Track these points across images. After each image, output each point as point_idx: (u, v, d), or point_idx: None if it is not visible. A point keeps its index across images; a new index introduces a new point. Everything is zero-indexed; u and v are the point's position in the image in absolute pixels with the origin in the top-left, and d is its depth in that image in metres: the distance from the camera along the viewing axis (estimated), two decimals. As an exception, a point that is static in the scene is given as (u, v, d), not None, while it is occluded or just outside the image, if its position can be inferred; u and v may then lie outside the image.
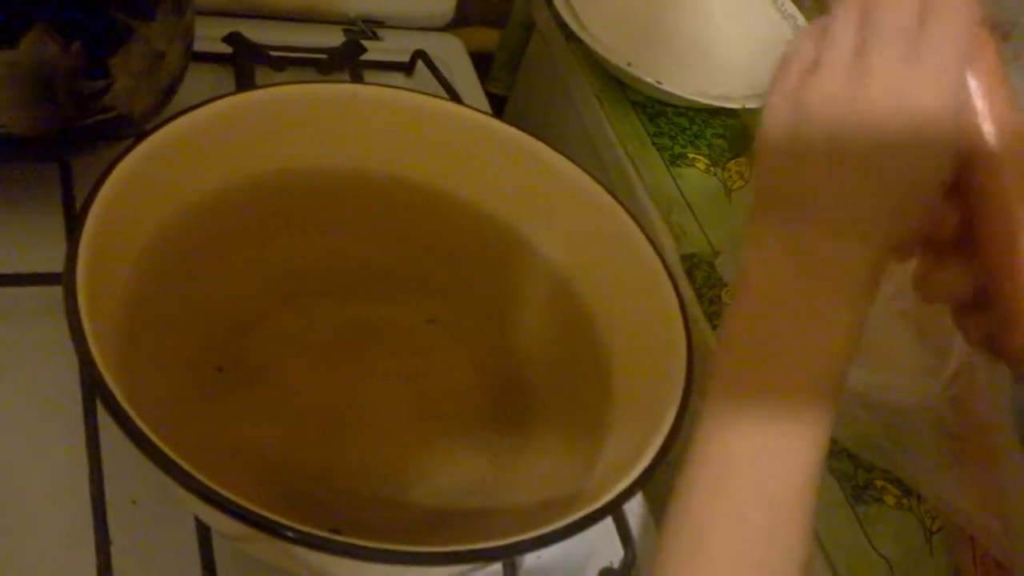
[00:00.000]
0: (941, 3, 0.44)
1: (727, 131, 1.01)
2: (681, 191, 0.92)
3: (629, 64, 0.97)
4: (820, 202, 0.44)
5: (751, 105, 0.99)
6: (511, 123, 0.70)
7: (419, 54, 0.95)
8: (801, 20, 1.10)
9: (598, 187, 0.67)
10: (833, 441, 0.75)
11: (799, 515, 0.44)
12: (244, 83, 0.85)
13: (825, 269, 0.45)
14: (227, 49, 0.87)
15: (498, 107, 1.19)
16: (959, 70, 0.44)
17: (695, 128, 0.99)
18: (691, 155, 0.96)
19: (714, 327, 0.81)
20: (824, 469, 0.72)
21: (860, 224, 0.44)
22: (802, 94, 0.45)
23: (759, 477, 0.45)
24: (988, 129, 0.45)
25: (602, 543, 0.66)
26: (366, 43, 0.94)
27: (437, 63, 0.94)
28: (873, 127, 0.43)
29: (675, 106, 1.00)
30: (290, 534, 0.45)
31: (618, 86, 1.00)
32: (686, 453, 0.47)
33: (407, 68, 0.96)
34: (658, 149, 0.95)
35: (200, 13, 0.75)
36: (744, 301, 0.47)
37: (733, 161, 0.97)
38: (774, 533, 0.44)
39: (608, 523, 0.65)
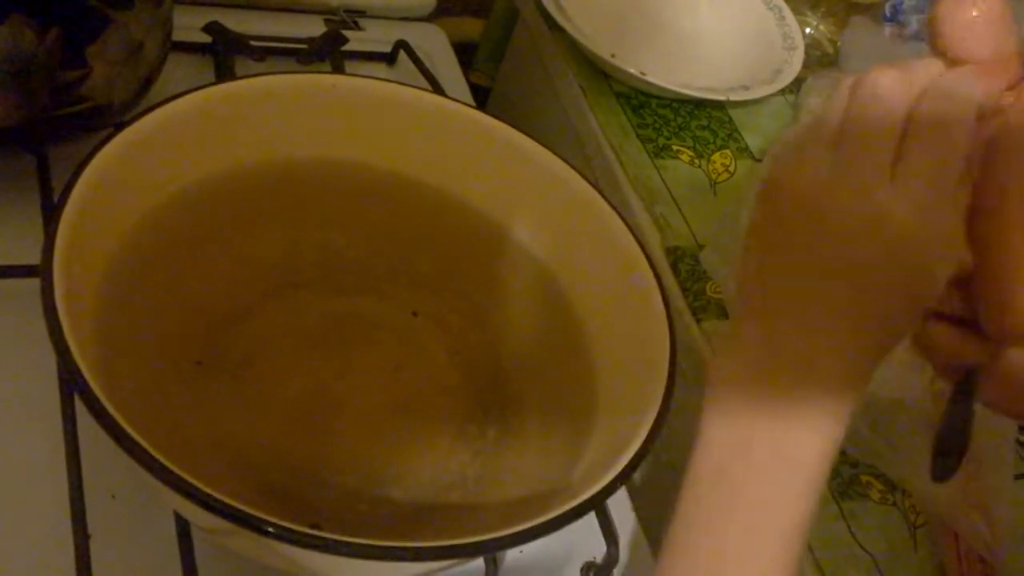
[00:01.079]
0: (925, 123, 0.43)
1: (712, 123, 1.00)
2: (665, 183, 0.91)
3: (613, 55, 0.96)
4: (796, 306, 0.44)
5: (735, 97, 0.99)
6: (494, 114, 0.69)
7: (401, 44, 0.94)
8: (787, 12, 1.10)
9: (581, 180, 0.67)
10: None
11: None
12: (224, 73, 0.85)
13: (803, 369, 0.44)
14: (206, 39, 0.86)
15: (481, 98, 1.19)
16: (939, 188, 0.43)
17: (680, 120, 0.99)
18: (675, 147, 0.96)
19: (698, 320, 0.81)
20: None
21: (837, 328, 0.43)
22: (780, 195, 0.45)
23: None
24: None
25: (585, 538, 0.66)
26: (347, 33, 0.93)
27: (419, 53, 0.93)
28: (843, 240, 0.43)
29: (659, 97, 1.00)
30: (269, 529, 0.44)
31: (602, 77, 1.00)
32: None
33: (389, 58, 0.95)
34: (642, 141, 0.95)
35: (179, 2, 0.74)
36: (723, 398, 0.46)
37: (718, 153, 0.97)
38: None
39: (591, 518, 0.65)
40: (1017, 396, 0.47)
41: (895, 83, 0.44)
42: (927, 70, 0.44)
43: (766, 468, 0.44)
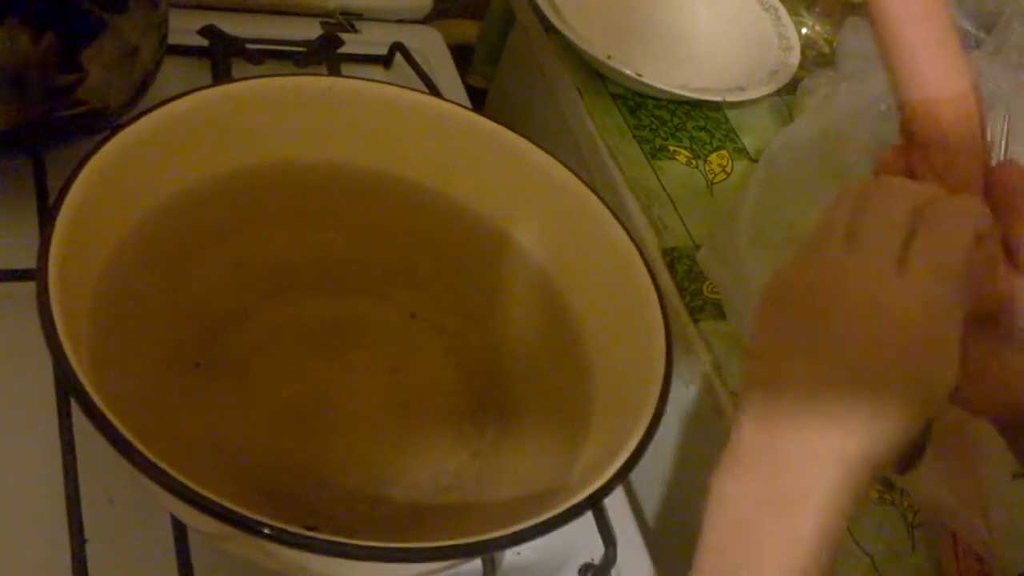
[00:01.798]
0: (936, 213, 0.45)
1: (708, 124, 1.00)
2: (662, 184, 0.91)
3: (609, 57, 0.96)
4: (792, 393, 0.44)
5: (732, 98, 0.99)
6: (491, 116, 0.69)
7: (397, 47, 0.94)
8: (783, 12, 1.10)
9: (578, 181, 0.67)
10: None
11: None
12: (220, 76, 0.85)
13: (792, 466, 0.44)
14: (203, 42, 0.86)
15: (478, 100, 1.19)
16: (947, 280, 0.44)
17: (676, 121, 0.99)
18: (672, 148, 0.96)
19: (695, 320, 0.81)
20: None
21: (832, 423, 0.43)
22: (791, 282, 0.46)
23: None
24: None
25: (583, 539, 0.65)
26: (344, 36, 0.93)
27: (416, 56, 0.93)
28: (847, 330, 0.44)
29: (656, 99, 1.00)
30: (266, 531, 0.44)
31: (598, 79, 1.00)
32: None
33: (385, 61, 0.95)
34: (639, 142, 0.95)
35: (175, 5, 0.74)
36: (724, 479, 0.46)
37: (715, 154, 0.97)
38: None
39: (588, 519, 0.65)
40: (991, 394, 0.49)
41: (902, 191, 0.46)
42: (926, 188, 0.47)
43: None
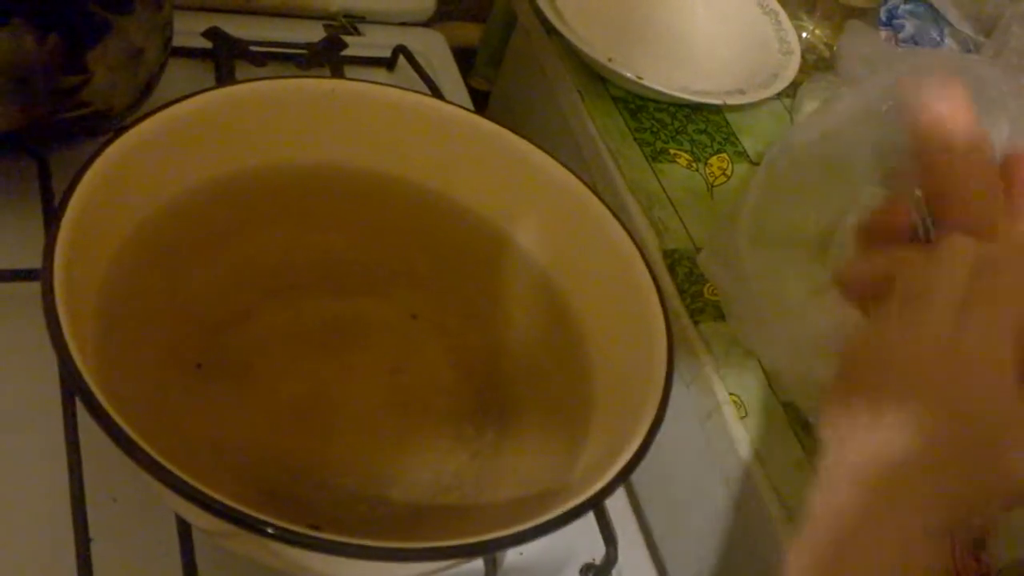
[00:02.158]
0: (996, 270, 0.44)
1: (709, 127, 1.01)
2: (663, 187, 0.92)
3: (610, 59, 0.97)
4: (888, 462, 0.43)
5: (732, 101, 0.99)
6: (493, 118, 0.70)
7: (400, 49, 0.95)
8: (783, 16, 1.10)
9: (579, 183, 0.67)
10: (817, 438, 0.76)
11: None
12: (224, 78, 0.85)
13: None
14: (206, 44, 0.87)
15: (480, 102, 1.19)
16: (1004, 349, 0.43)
17: (677, 124, 0.99)
18: (673, 151, 0.96)
19: (696, 322, 0.81)
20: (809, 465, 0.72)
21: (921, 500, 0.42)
22: (892, 360, 0.45)
23: None
24: None
25: (584, 539, 0.66)
26: (347, 38, 0.93)
27: (419, 58, 0.94)
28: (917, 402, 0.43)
29: (657, 101, 1.00)
30: (269, 530, 0.44)
31: (599, 81, 1.00)
32: None
33: (388, 63, 0.95)
34: (640, 145, 0.95)
35: (179, 7, 0.74)
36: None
37: (715, 157, 0.97)
38: None
39: (590, 519, 0.65)
40: None
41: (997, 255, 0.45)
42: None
43: None
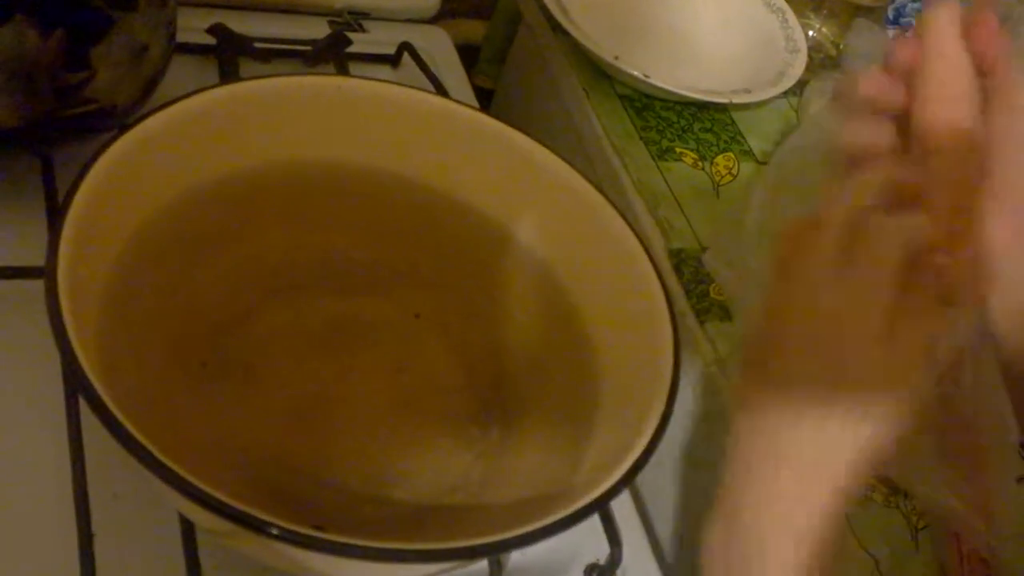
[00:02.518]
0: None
1: (715, 125, 1.00)
2: (669, 185, 0.91)
3: (616, 57, 0.96)
4: (786, 395, 0.46)
5: (738, 99, 0.99)
6: (497, 116, 0.69)
7: (405, 46, 0.94)
8: (790, 14, 1.10)
9: (584, 182, 0.67)
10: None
11: None
12: (228, 75, 0.85)
13: (790, 465, 0.46)
14: (211, 40, 0.87)
15: (485, 100, 1.19)
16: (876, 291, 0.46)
17: (683, 122, 0.99)
18: (679, 149, 0.96)
19: (701, 323, 0.81)
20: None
21: (829, 421, 0.45)
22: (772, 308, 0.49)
23: None
24: None
25: (588, 539, 0.66)
26: (352, 35, 0.93)
27: (423, 55, 0.93)
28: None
29: (663, 100, 1.00)
30: (273, 531, 0.44)
31: (605, 79, 1.00)
32: None
33: (393, 60, 0.95)
34: (645, 143, 0.95)
35: (183, 4, 0.74)
36: (725, 485, 0.49)
37: (721, 156, 0.97)
38: None
39: (594, 520, 0.65)
40: None
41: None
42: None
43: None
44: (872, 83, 0.51)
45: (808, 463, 0.45)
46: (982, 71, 0.49)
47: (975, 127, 0.48)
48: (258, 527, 0.44)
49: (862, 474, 0.46)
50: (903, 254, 0.46)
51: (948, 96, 0.48)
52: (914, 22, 1.03)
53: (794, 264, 0.48)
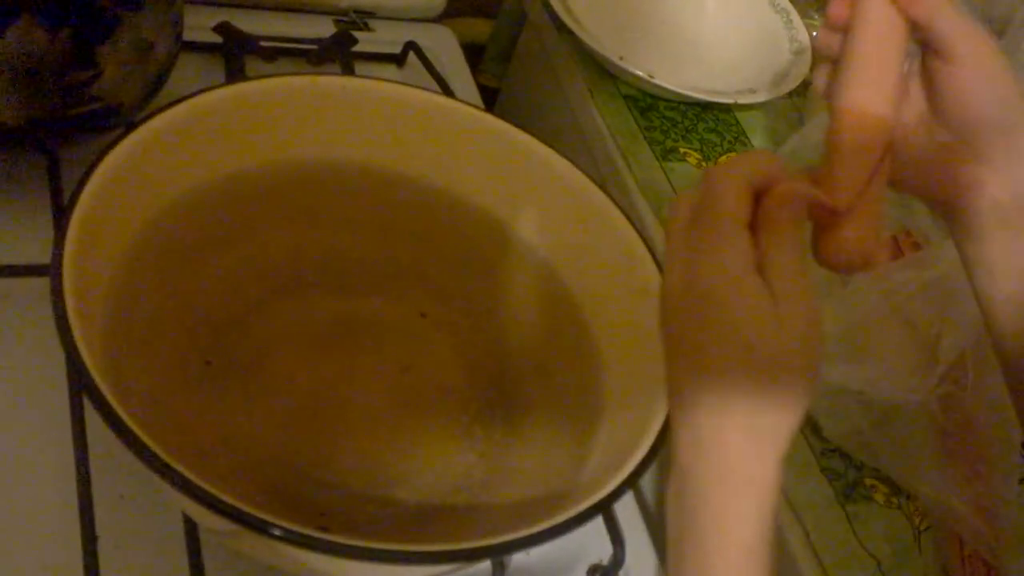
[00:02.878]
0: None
1: (719, 126, 1.00)
2: (672, 186, 0.91)
3: (621, 58, 0.96)
4: (692, 388, 0.46)
5: (743, 100, 0.99)
6: (502, 116, 0.70)
7: (411, 45, 0.94)
8: (794, 14, 1.10)
9: (588, 182, 0.67)
10: (824, 439, 0.76)
11: None
12: (234, 74, 0.85)
13: (712, 451, 0.45)
14: (217, 39, 0.87)
15: (490, 99, 1.19)
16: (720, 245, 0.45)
17: (687, 122, 0.99)
18: (683, 149, 0.96)
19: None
20: (814, 467, 0.72)
21: (735, 404, 0.44)
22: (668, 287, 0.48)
23: None
24: None
25: (591, 539, 0.66)
26: (357, 34, 0.93)
27: (429, 54, 0.94)
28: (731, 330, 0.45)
29: (667, 100, 1.00)
30: (276, 532, 0.44)
31: (610, 79, 1.00)
32: None
33: (399, 59, 0.95)
34: (650, 143, 0.95)
35: (189, 2, 0.74)
36: (670, 479, 0.48)
37: (725, 156, 0.97)
38: None
39: (598, 520, 0.65)
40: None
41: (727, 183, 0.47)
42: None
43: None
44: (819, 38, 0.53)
45: (747, 469, 0.45)
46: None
47: (887, 113, 0.49)
48: (261, 528, 0.44)
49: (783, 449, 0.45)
50: (737, 188, 0.46)
51: (865, 80, 0.49)
52: None
53: (668, 241, 0.49)
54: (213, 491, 0.44)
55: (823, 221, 0.50)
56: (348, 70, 0.90)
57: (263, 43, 0.88)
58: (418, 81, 0.81)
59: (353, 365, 0.67)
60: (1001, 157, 0.50)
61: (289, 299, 0.68)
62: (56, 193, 0.68)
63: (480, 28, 1.25)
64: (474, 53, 1.19)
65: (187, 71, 0.77)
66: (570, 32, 0.99)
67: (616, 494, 0.51)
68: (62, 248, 0.50)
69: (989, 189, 0.50)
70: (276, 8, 0.94)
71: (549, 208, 0.69)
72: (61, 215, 0.52)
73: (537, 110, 1.10)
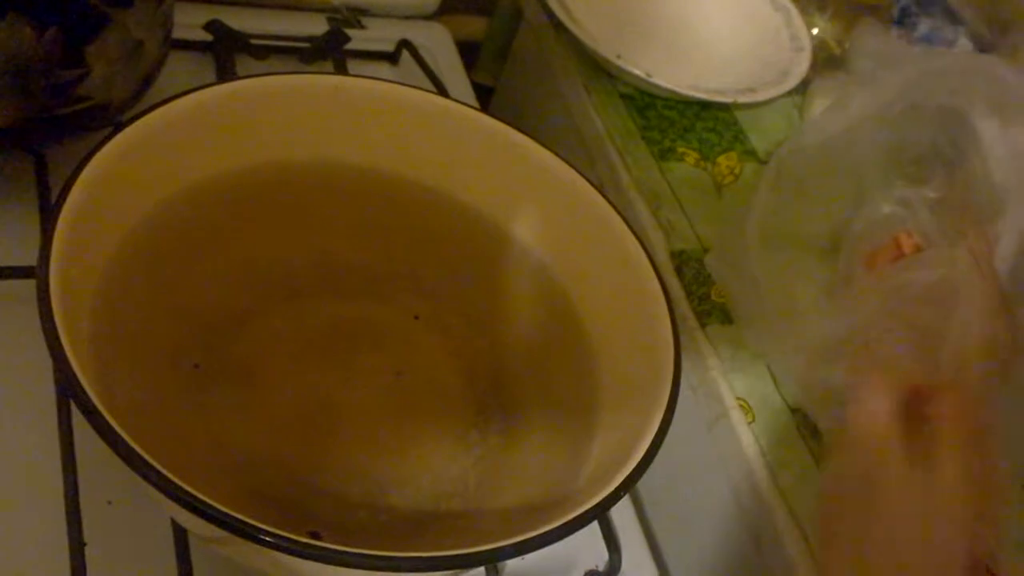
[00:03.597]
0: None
1: (718, 125, 1.00)
2: (670, 186, 0.91)
3: (618, 56, 0.96)
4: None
5: (742, 99, 0.98)
6: (498, 114, 0.69)
7: (404, 43, 0.94)
8: (794, 13, 1.09)
9: (585, 182, 0.66)
10: (823, 443, 0.75)
11: None
12: (225, 72, 0.84)
13: None
14: (207, 37, 0.86)
15: (485, 97, 1.18)
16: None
17: (685, 122, 0.98)
18: (681, 149, 0.95)
19: (703, 325, 0.80)
20: (814, 471, 0.72)
21: None
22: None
23: None
24: None
25: (587, 545, 0.65)
26: (350, 31, 0.92)
27: (423, 52, 0.93)
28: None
29: (665, 99, 0.99)
30: (267, 538, 0.43)
31: (607, 78, 0.99)
32: None
33: (392, 57, 0.94)
34: (647, 143, 0.94)
35: (179, 0, 0.73)
36: None
37: (723, 156, 0.96)
38: None
39: (593, 525, 0.64)
40: None
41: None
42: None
43: None
44: None
45: None
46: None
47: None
48: (251, 534, 0.43)
49: None
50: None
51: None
52: (920, 26, 1.02)
53: (872, 459, 0.52)
54: (202, 496, 0.44)
55: None
56: (341, 68, 0.89)
57: (254, 41, 0.88)
58: (412, 79, 0.81)
59: (346, 368, 0.66)
60: None
61: (280, 301, 0.67)
62: (43, 194, 0.67)
63: (475, 26, 1.24)
64: (469, 51, 1.18)
65: (177, 69, 0.77)
66: (567, 30, 0.98)
67: (612, 499, 0.50)
68: (49, 250, 0.49)
69: None
70: (267, 5, 0.93)
71: (545, 209, 0.69)
72: (48, 216, 0.51)
73: (533, 109, 1.09)
